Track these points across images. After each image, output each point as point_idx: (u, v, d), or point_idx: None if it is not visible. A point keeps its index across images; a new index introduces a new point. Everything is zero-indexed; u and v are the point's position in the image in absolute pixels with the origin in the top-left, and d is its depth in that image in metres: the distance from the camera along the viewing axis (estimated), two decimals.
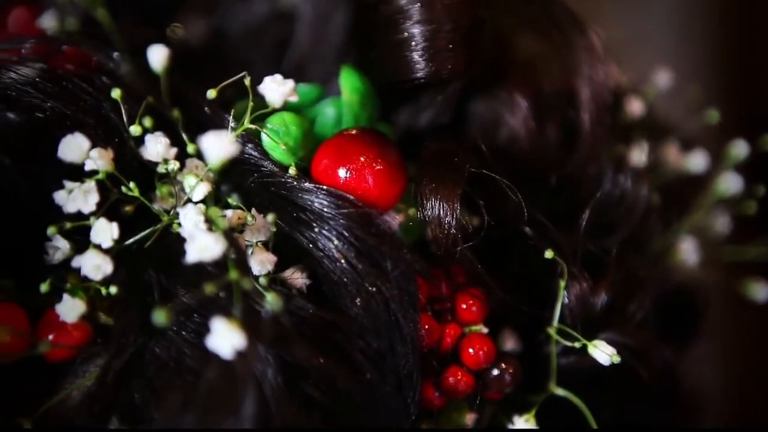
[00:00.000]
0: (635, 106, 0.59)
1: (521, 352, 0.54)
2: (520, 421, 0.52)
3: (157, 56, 0.48)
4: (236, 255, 0.43)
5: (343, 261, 0.47)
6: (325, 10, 0.57)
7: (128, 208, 0.49)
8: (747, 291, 0.62)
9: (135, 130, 0.49)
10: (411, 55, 0.51)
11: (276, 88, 0.48)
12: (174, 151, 0.50)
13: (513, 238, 0.53)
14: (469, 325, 0.52)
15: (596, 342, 0.51)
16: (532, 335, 0.54)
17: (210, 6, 0.60)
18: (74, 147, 0.46)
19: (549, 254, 0.51)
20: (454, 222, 0.50)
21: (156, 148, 0.49)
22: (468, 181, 0.51)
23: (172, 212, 0.49)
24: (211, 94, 0.49)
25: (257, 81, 0.52)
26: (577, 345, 0.51)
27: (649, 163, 0.58)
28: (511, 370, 0.52)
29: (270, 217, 0.47)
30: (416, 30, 0.51)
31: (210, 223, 0.46)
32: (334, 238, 0.47)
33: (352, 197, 0.48)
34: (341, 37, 0.56)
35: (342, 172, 0.49)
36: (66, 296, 0.47)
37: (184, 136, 0.49)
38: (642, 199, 0.56)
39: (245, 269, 0.44)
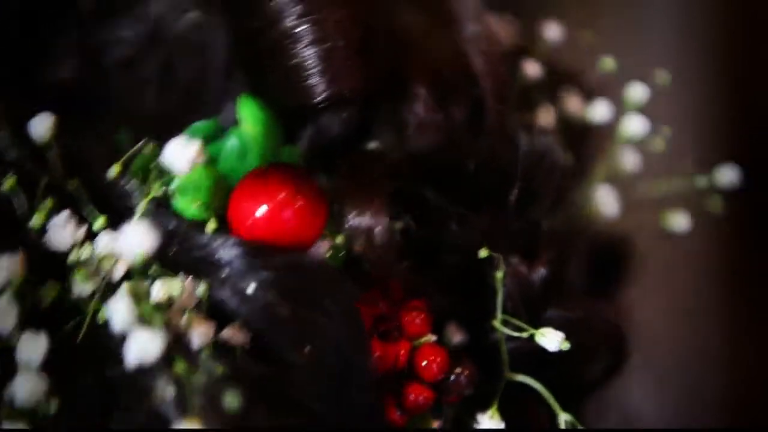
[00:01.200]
0: (532, 67, 0.59)
1: (470, 344, 0.54)
2: (485, 419, 0.52)
3: (42, 126, 0.45)
4: (179, 345, 0.42)
5: (281, 311, 0.46)
6: (206, 37, 0.53)
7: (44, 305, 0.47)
8: (667, 223, 0.62)
9: (37, 219, 0.47)
10: (308, 80, 0.49)
11: (181, 154, 0.45)
12: (81, 231, 0.47)
13: (442, 238, 0.52)
14: (418, 338, 0.51)
15: (543, 330, 0.50)
16: (477, 325, 0.54)
17: (80, 44, 0.56)
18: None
19: (483, 253, 0.50)
20: (383, 233, 0.49)
21: (62, 235, 0.47)
22: (388, 188, 0.50)
23: (95, 298, 0.47)
24: (115, 170, 0.47)
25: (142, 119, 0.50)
26: (524, 335, 0.51)
27: (556, 121, 0.58)
28: (466, 372, 0.52)
29: (202, 287, 0.46)
30: (309, 52, 0.48)
31: (142, 314, 0.44)
32: (267, 291, 0.46)
33: (277, 245, 0.47)
34: (225, 65, 0.53)
35: (262, 214, 0.48)
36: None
37: (89, 212, 0.47)
38: (558, 160, 0.56)
39: (191, 357, 0.43)
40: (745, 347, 1.16)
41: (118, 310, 0.43)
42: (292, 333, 0.46)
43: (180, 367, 0.41)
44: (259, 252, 0.46)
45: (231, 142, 0.51)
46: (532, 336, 0.51)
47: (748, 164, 0.62)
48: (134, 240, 0.40)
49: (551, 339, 0.50)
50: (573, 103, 0.60)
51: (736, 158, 0.63)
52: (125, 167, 0.47)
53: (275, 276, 0.46)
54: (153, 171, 0.46)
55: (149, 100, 0.54)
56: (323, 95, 0.48)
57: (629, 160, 0.61)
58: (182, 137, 0.46)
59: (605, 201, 0.60)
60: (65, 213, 0.47)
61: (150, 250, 0.41)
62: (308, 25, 0.48)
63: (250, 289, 0.46)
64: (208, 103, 0.53)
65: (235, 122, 0.52)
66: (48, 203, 0.47)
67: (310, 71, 0.48)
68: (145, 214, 0.46)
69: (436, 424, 0.52)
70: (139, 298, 0.43)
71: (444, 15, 0.55)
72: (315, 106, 0.49)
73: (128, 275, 0.46)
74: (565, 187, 0.57)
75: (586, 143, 0.60)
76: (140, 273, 0.43)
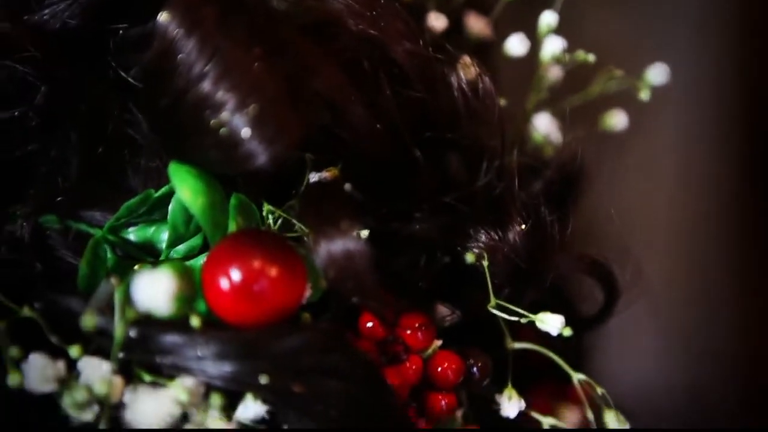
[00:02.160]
0: (437, 21, 0.56)
1: (461, 320, 0.53)
2: (505, 400, 0.52)
3: None
4: None
5: (301, 392, 0.44)
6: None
7: None
8: (606, 124, 0.62)
9: (14, 378, 0.43)
10: (242, 148, 0.45)
11: (154, 292, 0.42)
12: (60, 364, 0.44)
13: (411, 239, 0.51)
14: (425, 349, 0.50)
15: (541, 316, 0.50)
16: (469, 305, 0.53)
17: None
18: None
19: (470, 258, 0.49)
20: (357, 251, 0.47)
21: (43, 377, 0.44)
22: (348, 210, 0.48)
23: (100, 425, 0.44)
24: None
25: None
26: (523, 321, 0.51)
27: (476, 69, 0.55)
28: (480, 365, 0.51)
29: (215, 401, 0.44)
30: (235, 119, 0.45)
31: None
32: (287, 379, 0.44)
33: (263, 324, 0.45)
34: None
35: (237, 285, 0.45)
36: None
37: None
38: (493, 108, 0.54)
39: None
40: (755, 307, 1.18)
41: None
42: (317, 406, 0.45)
43: None
44: (262, 338, 0.44)
45: (172, 221, 0.48)
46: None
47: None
48: (153, 410, 0.38)
49: (551, 323, 0.50)
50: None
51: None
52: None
53: (273, 364, 0.44)
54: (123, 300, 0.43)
55: (69, 180, 0.50)
56: (264, 160, 0.45)
57: (554, 75, 0.59)
58: (148, 274, 0.42)
59: (546, 128, 0.59)
60: (38, 355, 0.44)
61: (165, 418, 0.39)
62: (226, 89, 0.44)
63: (261, 379, 0.44)
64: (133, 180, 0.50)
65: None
66: (15, 352, 0.44)
67: (242, 141, 0.44)
68: (124, 342, 0.44)
69: (458, 414, 0.52)
70: None
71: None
72: (257, 171, 0.46)
73: None
74: (503, 131, 0.55)
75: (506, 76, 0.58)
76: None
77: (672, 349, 1.16)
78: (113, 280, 0.42)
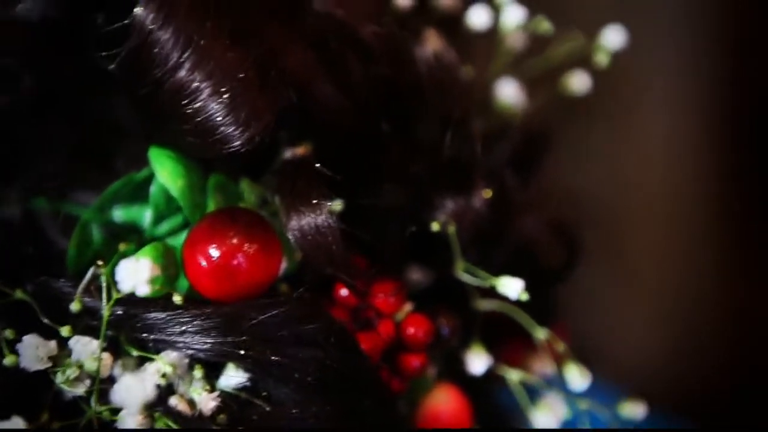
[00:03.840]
0: None
1: (431, 282, 0.56)
2: (472, 356, 0.55)
3: None
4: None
5: (278, 360, 0.48)
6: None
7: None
8: (567, 87, 0.64)
9: (9, 359, 0.47)
10: (219, 131, 0.47)
11: (134, 275, 0.45)
12: (52, 344, 0.48)
13: (381, 213, 0.54)
14: (396, 313, 0.53)
15: (502, 280, 0.53)
16: (437, 267, 0.56)
17: None
18: None
19: (436, 227, 0.52)
20: (326, 224, 0.50)
21: (35, 356, 0.47)
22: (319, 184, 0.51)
23: (92, 399, 0.48)
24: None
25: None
26: (486, 284, 0.53)
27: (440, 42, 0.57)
28: (449, 325, 0.54)
29: (197, 373, 0.47)
30: (211, 104, 0.47)
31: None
32: (267, 349, 0.47)
33: (242, 298, 0.48)
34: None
35: (216, 261, 0.48)
36: None
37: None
38: (456, 78, 0.57)
39: None
40: (741, 287, 1.19)
41: (131, 426, 0.45)
42: (291, 373, 0.48)
43: None
44: (243, 310, 0.48)
45: (153, 201, 0.51)
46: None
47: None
48: (131, 392, 0.41)
49: (511, 287, 0.53)
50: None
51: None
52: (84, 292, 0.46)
53: (280, 327, 0.48)
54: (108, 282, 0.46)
55: (57, 165, 0.53)
56: (239, 143, 0.47)
57: (518, 43, 0.62)
58: (130, 259, 0.45)
59: (509, 93, 0.61)
60: (31, 336, 0.47)
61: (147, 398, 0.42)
62: (201, 78, 0.47)
63: (250, 348, 0.47)
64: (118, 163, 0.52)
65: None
66: (9, 334, 0.47)
67: (219, 122, 0.47)
68: (111, 320, 0.47)
69: (432, 373, 0.56)
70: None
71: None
72: (233, 153, 0.48)
73: None
74: (468, 100, 0.58)
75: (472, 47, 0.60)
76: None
77: (658, 321, 1.19)
78: (99, 264, 0.45)
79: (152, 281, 0.45)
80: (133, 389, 0.43)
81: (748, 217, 1.21)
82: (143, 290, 0.45)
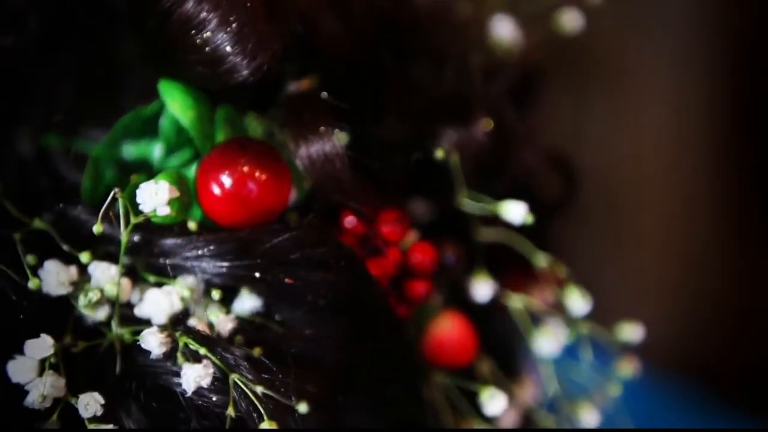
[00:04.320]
0: None
1: (435, 213, 0.58)
2: (477, 283, 0.57)
3: None
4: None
5: (291, 283, 0.49)
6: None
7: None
8: (559, 24, 0.65)
9: (33, 283, 0.48)
10: (227, 63, 0.48)
11: (155, 198, 0.46)
12: (73, 270, 0.49)
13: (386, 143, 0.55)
14: (402, 242, 0.55)
15: (505, 204, 0.55)
16: (440, 198, 0.57)
17: None
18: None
19: (440, 154, 0.54)
20: (334, 152, 0.52)
21: (58, 281, 0.48)
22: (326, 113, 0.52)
23: (113, 322, 0.49)
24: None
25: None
26: (488, 207, 0.55)
27: None
28: (453, 253, 0.56)
29: (215, 294, 0.48)
30: (218, 36, 0.48)
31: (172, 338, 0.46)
32: (279, 272, 0.49)
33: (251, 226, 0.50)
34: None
35: (228, 189, 0.49)
36: None
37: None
38: (454, 14, 0.58)
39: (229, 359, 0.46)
40: (744, 257, 1.21)
41: (153, 346, 0.46)
42: (303, 296, 0.49)
43: (237, 377, 0.45)
44: (242, 241, 0.49)
45: (164, 134, 0.52)
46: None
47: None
48: (158, 305, 0.43)
49: (515, 212, 0.54)
50: None
51: None
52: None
53: (265, 260, 0.49)
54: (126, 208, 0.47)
55: (67, 101, 0.54)
56: (246, 73, 0.49)
57: None
58: (150, 183, 0.47)
59: (505, 30, 0.62)
60: (52, 262, 0.48)
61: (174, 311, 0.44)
62: (209, 8, 0.48)
63: (265, 272, 0.49)
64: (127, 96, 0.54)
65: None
66: (31, 259, 0.48)
67: (227, 52, 0.48)
68: (129, 246, 0.48)
69: (438, 301, 0.57)
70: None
71: None
72: (241, 84, 0.50)
73: None
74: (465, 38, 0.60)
75: None
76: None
77: (664, 298, 1.21)
78: (117, 191, 0.46)
79: (171, 203, 0.46)
80: (161, 302, 0.44)
81: (752, 187, 1.24)
82: (163, 211, 0.46)
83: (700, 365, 1.17)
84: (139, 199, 0.46)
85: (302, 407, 0.44)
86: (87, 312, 0.49)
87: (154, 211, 0.46)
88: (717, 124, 1.24)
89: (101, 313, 0.49)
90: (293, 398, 0.45)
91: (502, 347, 0.59)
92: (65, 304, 0.49)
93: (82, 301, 0.48)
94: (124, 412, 0.47)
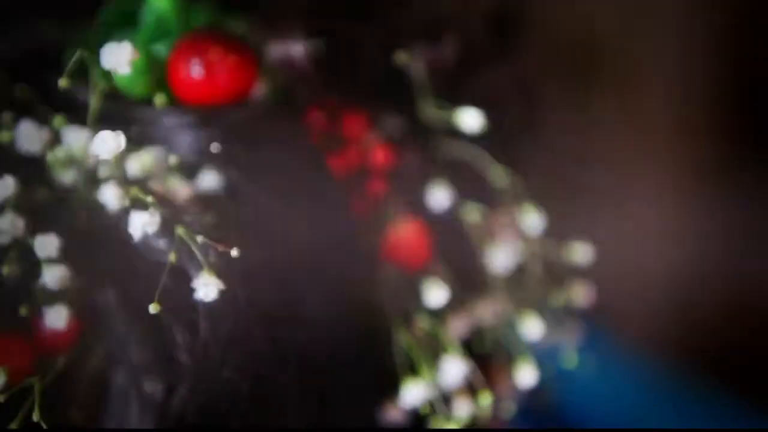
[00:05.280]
0: None
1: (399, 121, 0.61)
2: (434, 190, 0.59)
3: None
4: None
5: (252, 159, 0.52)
6: None
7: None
8: None
9: (5, 136, 0.52)
10: None
11: (116, 56, 0.49)
12: (46, 132, 0.53)
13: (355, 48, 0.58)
14: (362, 141, 0.58)
15: (461, 112, 0.58)
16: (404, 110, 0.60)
17: None
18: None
19: (403, 58, 0.57)
20: (303, 54, 0.55)
21: (31, 139, 0.52)
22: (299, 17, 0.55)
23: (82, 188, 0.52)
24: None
25: None
26: (447, 117, 0.58)
27: None
28: (413, 156, 0.59)
29: (172, 160, 0.52)
30: None
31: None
32: (242, 148, 0.52)
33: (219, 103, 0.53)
34: None
35: (198, 73, 0.52)
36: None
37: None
38: None
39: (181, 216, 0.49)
40: (749, 254, 1.23)
41: (110, 199, 0.50)
42: (262, 174, 0.52)
43: (180, 230, 0.48)
44: (206, 113, 0.52)
45: (147, 19, 0.55)
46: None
47: None
48: (105, 145, 0.47)
49: (470, 120, 0.57)
50: None
51: None
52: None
53: (226, 130, 0.52)
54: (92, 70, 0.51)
55: None
56: None
57: None
58: (113, 44, 0.50)
59: None
60: (28, 121, 0.52)
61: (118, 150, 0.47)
62: None
63: (213, 148, 0.52)
64: None
65: None
66: (7, 117, 0.52)
67: None
68: (98, 108, 0.51)
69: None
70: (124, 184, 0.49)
71: None
72: None
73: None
74: None
75: None
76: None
77: (665, 287, 1.23)
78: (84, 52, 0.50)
79: (133, 63, 0.50)
80: (108, 141, 0.47)
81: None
82: (124, 69, 0.49)
83: (703, 355, 1.17)
84: (102, 58, 0.50)
85: (234, 252, 0.47)
86: (57, 171, 0.52)
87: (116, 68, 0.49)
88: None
89: (69, 174, 0.52)
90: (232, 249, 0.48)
91: (458, 258, 0.62)
92: (38, 165, 0.53)
93: (50, 157, 0.51)
94: (80, 258, 0.51)
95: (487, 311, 0.62)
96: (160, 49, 0.55)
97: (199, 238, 0.47)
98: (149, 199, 0.48)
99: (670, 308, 1.24)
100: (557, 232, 0.61)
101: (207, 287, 0.47)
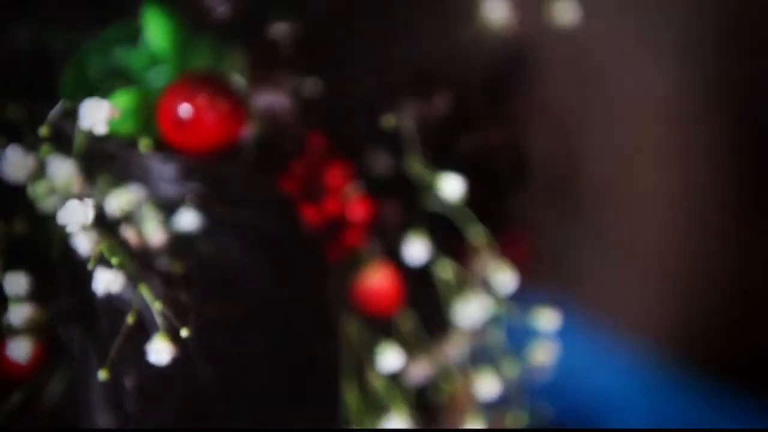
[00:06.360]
0: None
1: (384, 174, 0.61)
2: (411, 242, 0.60)
3: None
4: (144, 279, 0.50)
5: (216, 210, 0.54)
6: None
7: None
8: (554, 16, 0.67)
9: None
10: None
11: (94, 114, 0.50)
12: (31, 159, 0.54)
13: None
14: (343, 192, 0.58)
15: (443, 176, 0.58)
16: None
17: None
18: None
19: (390, 121, 0.57)
20: (285, 104, 0.55)
21: (17, 167, 0.53)
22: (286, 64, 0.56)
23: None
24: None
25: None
26: (428, 179, 0.58)
27: None
28: (393, 211, 0.60)
29: (148, 206, 0.53)
30: None
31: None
32: (216, 200, 0.53)
33: (204, 155, 0.54)
34: None
35: (186, 118, 0.53)
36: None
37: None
38: None
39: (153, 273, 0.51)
40: (747, 248, 1.21)
41: (81, 244, 0.51)
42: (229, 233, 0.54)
43: (144, 289, 0.49)
44: (188, 166, 0.53)
45: (139, 56, 0.56)
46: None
47: None
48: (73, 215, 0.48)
49: (450, 186, 0.58)
50: None
51: None
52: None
53: (205, 185, 0.53)
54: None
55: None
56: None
57: None
58: (92, 99, 0.50)
59: (496, 8, 0.64)
60: (15, 146, 0.53)
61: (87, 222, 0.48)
62: None
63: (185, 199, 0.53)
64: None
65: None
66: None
67: None
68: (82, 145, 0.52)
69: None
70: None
71: None
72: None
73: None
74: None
75: None
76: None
77: (664, 292, 1.23)
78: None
79: (110, 122, 0.50)
80: (76, 212, 0.48)
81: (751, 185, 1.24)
82: (101, 129, 0.50)
83: (704, 351, 1.19)
84: (80, 113, 0.51)
85: (184, 332, 0.49)
86: (37, 200, 0.54)
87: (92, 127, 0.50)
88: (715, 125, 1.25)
89: (50, 204, 0.54)
90: (188, 320, 0.49)
91: (429, 308, 0.63)
92: (21, 193, 0.54)
93: (31, 188, 0.53)
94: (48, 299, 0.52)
95: (447, 357, 0.63)
96: (155, 79, 0.56)
97: (157, 304, 0.49)
98: (114, 260, 0.49)
99: (670, 307, 1.25)
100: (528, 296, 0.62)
101: (159, 353, 0.49)
